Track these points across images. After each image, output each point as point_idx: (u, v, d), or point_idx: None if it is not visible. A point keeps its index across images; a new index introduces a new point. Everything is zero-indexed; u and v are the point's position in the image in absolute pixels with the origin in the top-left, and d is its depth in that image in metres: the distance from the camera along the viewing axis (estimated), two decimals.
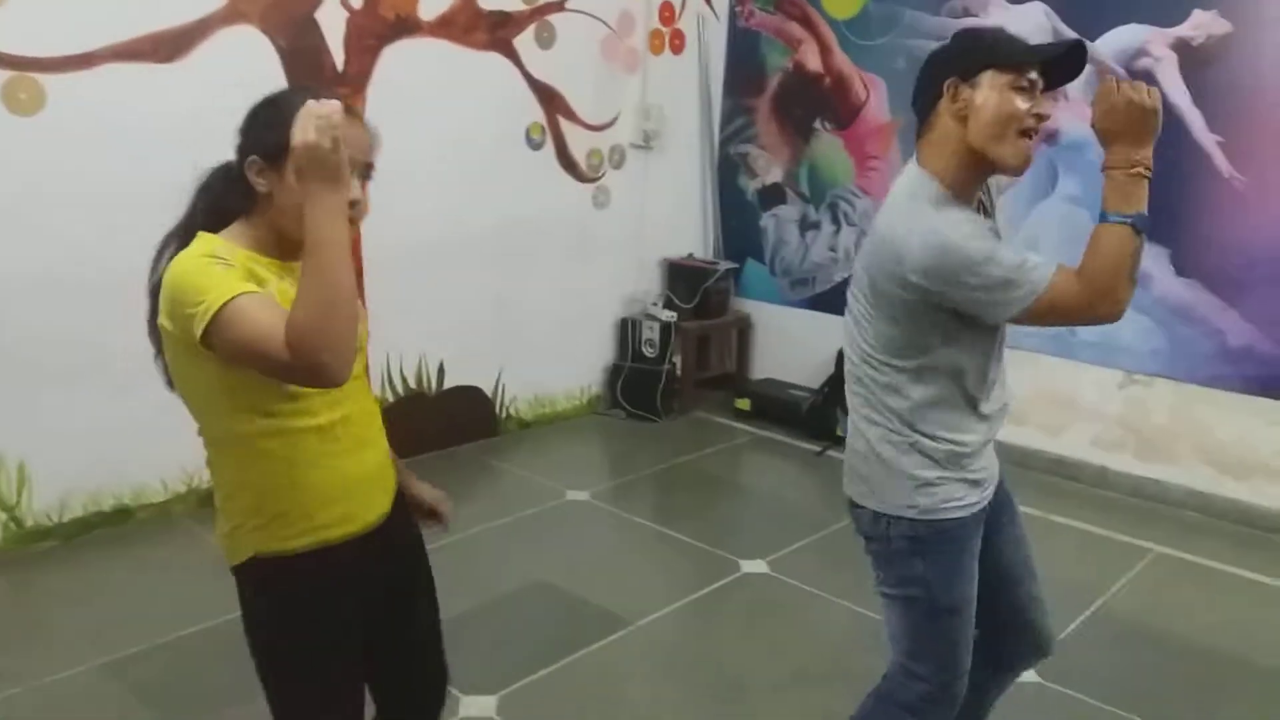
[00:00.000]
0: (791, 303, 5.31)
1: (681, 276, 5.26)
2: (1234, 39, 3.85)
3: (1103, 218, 1.73)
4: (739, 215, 5.48)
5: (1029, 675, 2.85)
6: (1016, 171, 1.81)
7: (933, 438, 1.85)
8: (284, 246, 1.52)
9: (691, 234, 5.51)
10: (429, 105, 4.10)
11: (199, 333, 1.37)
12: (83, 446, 3.40)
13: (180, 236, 1.56)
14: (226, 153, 3.83)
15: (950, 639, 1.94)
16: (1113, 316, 1.71)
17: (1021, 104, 1.74)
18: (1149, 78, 4.05)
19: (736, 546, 3.62)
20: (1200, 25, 3.93)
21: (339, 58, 3.81)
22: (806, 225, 5.22)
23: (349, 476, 1.57)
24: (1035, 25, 4.33)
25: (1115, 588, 3.45)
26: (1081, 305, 1.69)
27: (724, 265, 5.31)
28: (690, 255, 5.43)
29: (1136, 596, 3.42)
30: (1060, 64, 1.80)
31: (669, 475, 4.45)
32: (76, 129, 3.21)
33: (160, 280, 1.49)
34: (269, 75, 3.63)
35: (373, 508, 1.62)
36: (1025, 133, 1.76)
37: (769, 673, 2.86)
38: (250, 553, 1.54)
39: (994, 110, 1.74)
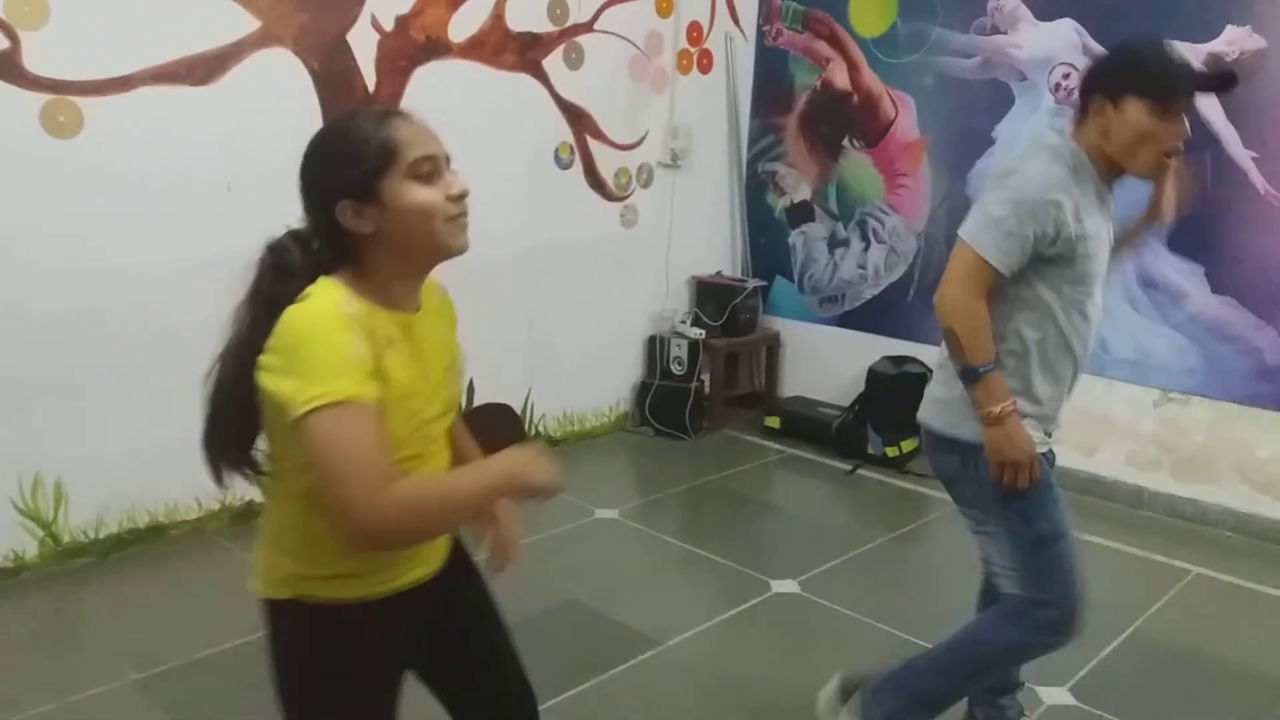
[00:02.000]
0: (820, 320, 5.29)
1: (710, 294, 5.26)
2: (1268, 55, 3.81)
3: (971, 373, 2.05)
4: (767, 233, 5.47)
5: (1064, 697, 2.82)
6: (1152, 178, 2.10)
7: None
8: (397, 291, 1.42)
9: (720, 252, 5.51)
10: (459, 126, 4.07)
11: (291, 415, 1.25)
12: (119, 464, 3.44)
13: (252, 312, 1.43)
14: (260, 175, 3.87)
15: (1066, 562, 2.13)
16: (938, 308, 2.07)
17: (1162, 129, 1.95)
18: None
19: (767, 566, 3.60)
20: (1233, 41, 3.89)
21: (370, 79, 3.85)
22: (835, 243, 5.21)
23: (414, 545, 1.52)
24: (1066, 42, 4.31)
25: (1153, 609, 3.40)
26: (947, 285, 2.05)
27: (752, 283, 5.30)
28: (719, 273, 5.43)
29: (1174, 618, 3.36)
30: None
31: (698, 493, 4.44)
32: (113, 152, 3.26)
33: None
34: (302, 97, 3.68)
35: (431, 562, 1.57)
36: (1166, 154, 1.99)
37: (800, 694, 2.83)
38: (290, 594, 1.46)
39: (1134, 133, 1.96)
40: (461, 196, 1.41)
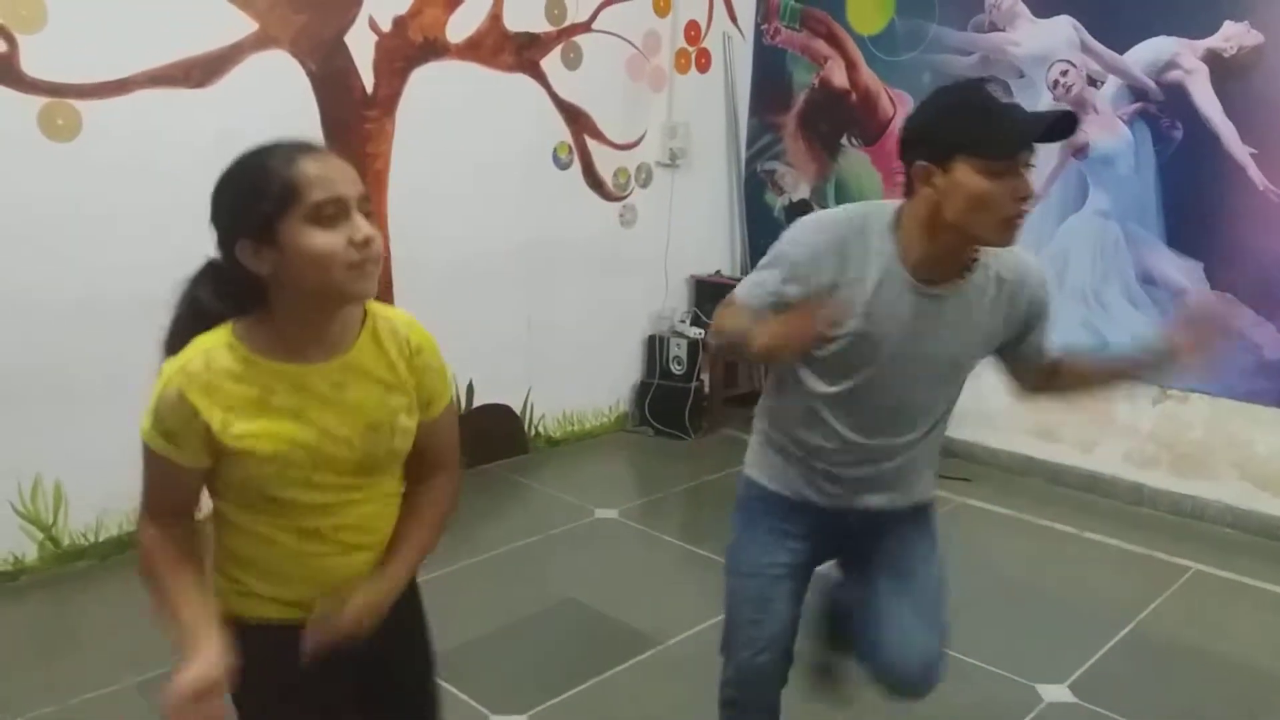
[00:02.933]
0: None
1: (709, 293, 5.25)
2: (1266, 50, 3.81)
3: None
4: (766, 232, 5.47)
5: (1064, 694, 2.82)
6: (1000, 245, 1.72)
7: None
8: (299, 336, 1.39)
9: (719, 251, 5.51)
10: (457, 127, 4.14)
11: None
12: (118, 467, 3.40)
13: (168, 349, 1.45)
14: None
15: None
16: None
17: (1002, 189, 1.62)
18: (1180, 90, 4.02)
19: None
20: (1231, 37, 3.89)
21: (368, 81, 3.86)
22: None
23: (331, 573, 1.48)
24: (1064, 39, 4.31)
25: (1153, 606, 3.40)
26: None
27: None
28: (718, 272, 5.43)
29: (1175, 615, 3.36)
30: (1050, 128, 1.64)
31: (697, 493, 4.44)
32: (111, 154, 3.26)
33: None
34: (300, 99, 3.68)
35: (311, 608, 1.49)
36: (1009, 218, 1.64)
37: (799, 691, 2.83)
38: (224, 611, 1.47)
39: (971, 199, 1.63)
40: (365, 243, 1.32)
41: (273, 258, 1.32)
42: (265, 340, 1.39)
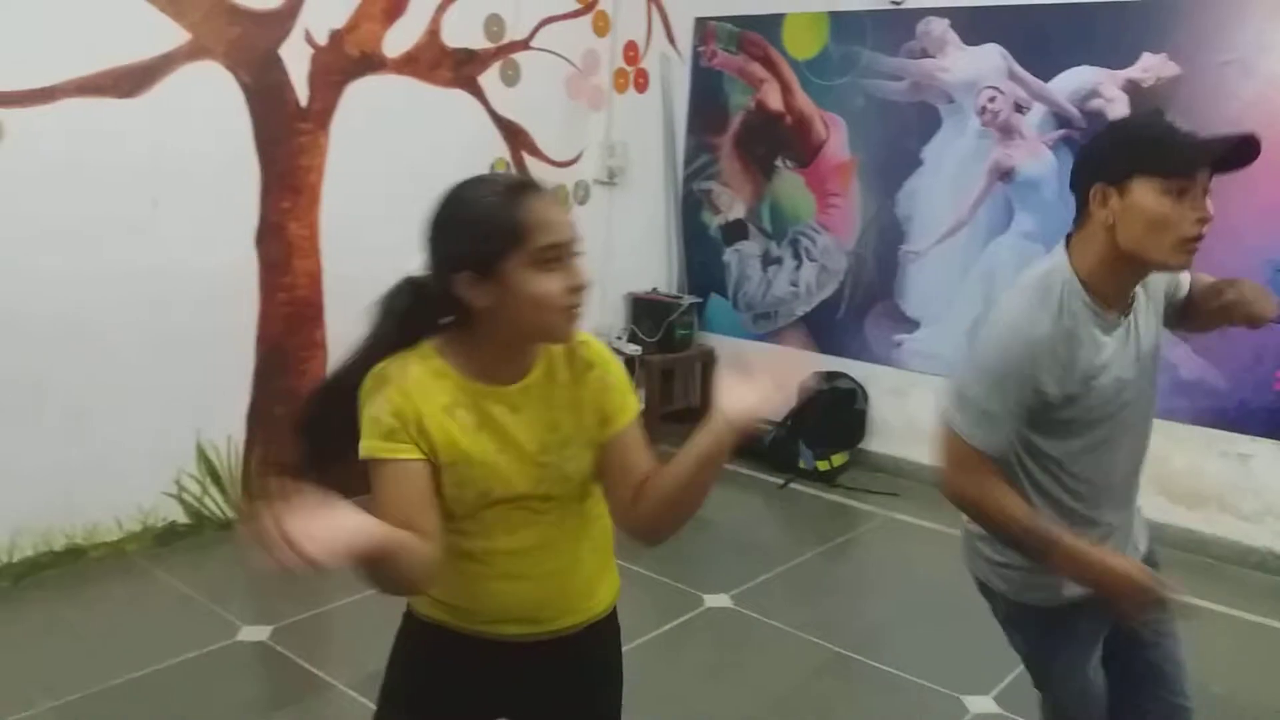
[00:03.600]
0: (754, 336, 5.35)
1: (646, 311, 5.28)
2: (1182, 81, 3.96)
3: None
4: (703, 250, 5.52)
5: (989, 706, 2.88)
6: (1178, 270, 1.73)
7: None
8: (491, 363, 1.42)
9: (656, 269, 5.55)
10: (393, 142, 4.11)
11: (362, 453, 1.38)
12: (33, 485, 3.34)
13: (363, 362, 1.43)
14: (187, 189, 3.81)
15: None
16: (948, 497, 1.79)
17: (1180, 210, 1.59)
18: (1100, 118, 4.16)
19: (700, 581, 3.61)
20: (1149, 68, 4.04)
21: (303, 94, 3.82)
22: (769, 260, 5.28)
23: (492, 597, 1.50)
24: (991, 66, 4.44)
25: None
26: (946, 477, 1.76)
27: (688, 299, 5.35)
28: (655, 290, 5.46)
29: None
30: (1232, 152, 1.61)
31: None
32: (35, 164, 3.18)
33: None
34: (233, 111, 3.64)
35: (503, 629, 1.52)
36: (1186, 240, 1.61)
37: (735, 707, 2.85)
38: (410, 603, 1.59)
39: (1149, 220, 1.60)
40: (581, 289, 1.37)
41: (492, 292, 1.34)
42: (457, 357, 1.42)
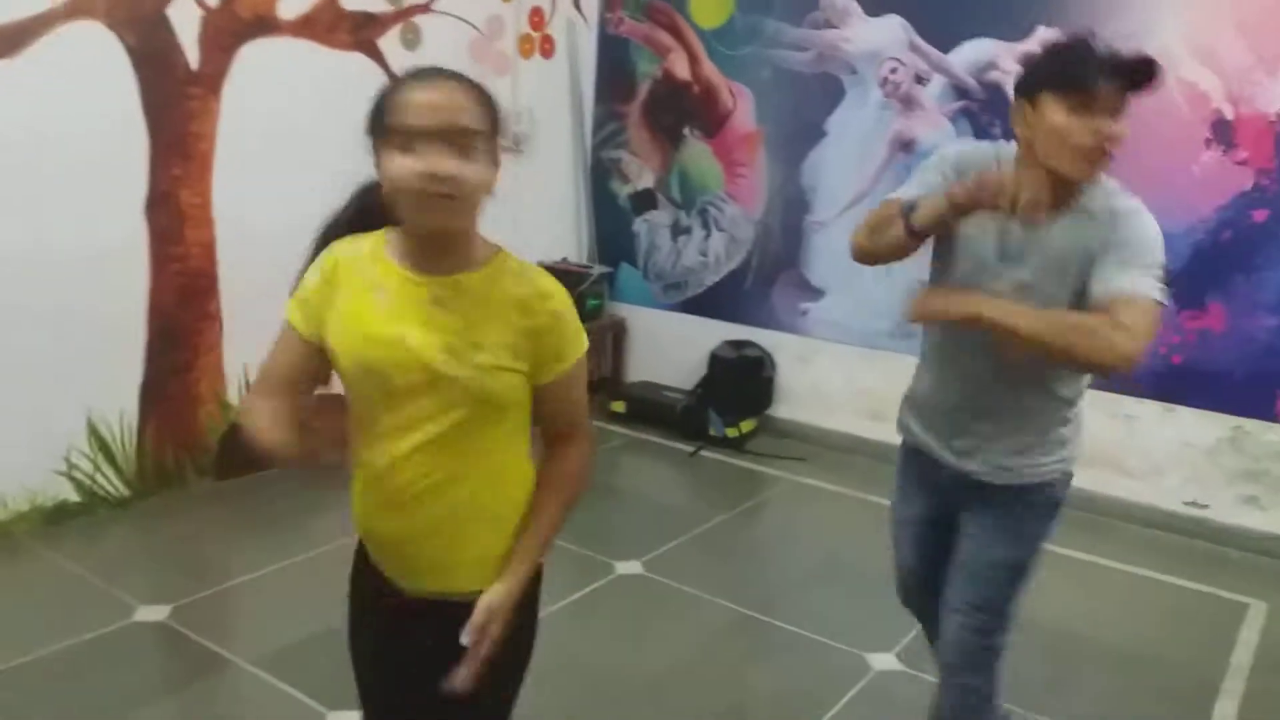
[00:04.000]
0: (665, 306, 5.37)
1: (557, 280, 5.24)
2: None
3: None
4: (612, 220, 5.51)
5: (892, 663, 2.96)
6: (1079, 179, 1.83)
7: None
8: (424, 257, 1.42)
9: (565, 238, 5.51)
10: (289, 106, 3.98)
11: None
12: None
13: (325, 238, 1.55)
14: (69, 158, 3.64)
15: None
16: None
17: (1080, 124, 1.75)
18: (998, 90, 4.26)
19: (611, 548, 3.63)
20: (1045, 41, 4.14)
21: (193, 57, 3.67)
22: (678, 230, 5.29)
23: (374, 531, 1.54)
24: (893, 37, 4.50)
25: None
26: (1142, 349, 1.75)
27: (598, 269, 5.33)
28: (565, 259, 5.43)
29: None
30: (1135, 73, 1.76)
31: None
32: None
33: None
34: (117, 76, 3.47)
35: (402, 576, 1.53)
36: (1089, 154, 1.77)
37: (646, 671, 2.88)
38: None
39: (1051, 133, 1.78)
40: (433, 176, 1.31)
41: (381, 175, 1.39)
42: (397, 244, 1.45)
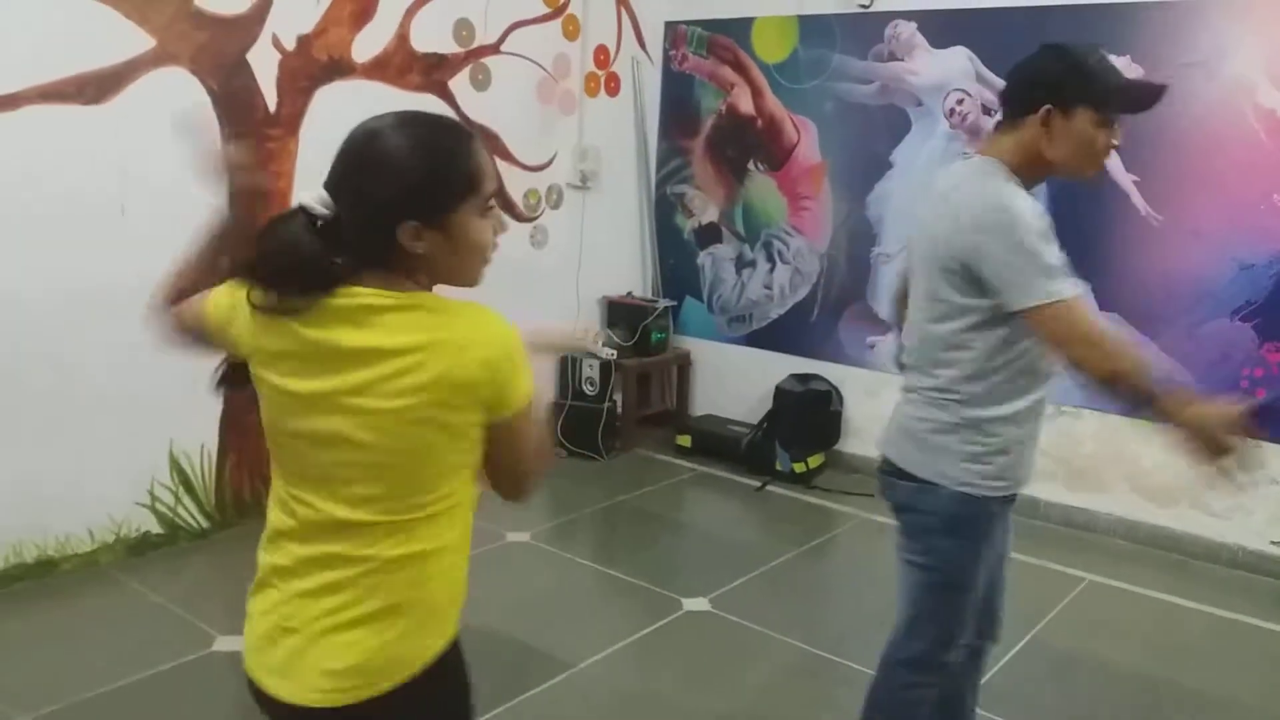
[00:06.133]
0: (729, 339, 5.36)
1: (621, 315, 5.28)
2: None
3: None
4: (677, 254, 5.53)
5: None
6: (1089, 181, 2.08)
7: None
8: None
9: (630, 272, 5.55)
10: None
11: None
12: (5, 497, 3.29)
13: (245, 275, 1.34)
14: (154, 194, 3.73)
15: (957, 615, 2.09)
16: (1084, 371, 1.82)
17: (1105, 137, 1.94)
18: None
19: (679, 585, 3.62)
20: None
21: (271, 99, 3.79)
22: (742, 264, 5.29)
23: (250, 608, 1.39)
24: (959, 69, 4.48)
25: (1050, 616, 3.52)
26: (1078, 339, 1.81)
27: (663, 303, 5.35)
28: (630, 293, 5.46)
29: (1070, 625, 3.48)
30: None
31: (611, 514, 4.44)
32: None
33: None
34: (201, 118, 3.60)
35: (259, 670, 1.37)
36: (1100, 161, 1.99)
37: (713, 711, 2.85)
38: None
39: (1081, 142, 1.93)
40: (498, 240, 1.35)
41: (434, 242, 1.26)
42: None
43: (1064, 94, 1.91)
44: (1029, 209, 1.86)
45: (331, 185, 1.28)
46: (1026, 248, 1.82)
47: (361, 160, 1.27)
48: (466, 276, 1.34)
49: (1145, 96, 1.99)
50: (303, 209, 1.27)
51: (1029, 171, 1.97)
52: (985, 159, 1.99)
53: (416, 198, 1.24)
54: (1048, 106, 1.92)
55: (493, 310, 1.32)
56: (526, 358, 1.32)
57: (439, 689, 1.39)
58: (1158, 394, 1.82)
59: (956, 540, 2.04)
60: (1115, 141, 1.96)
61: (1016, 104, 1.97)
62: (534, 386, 1.32)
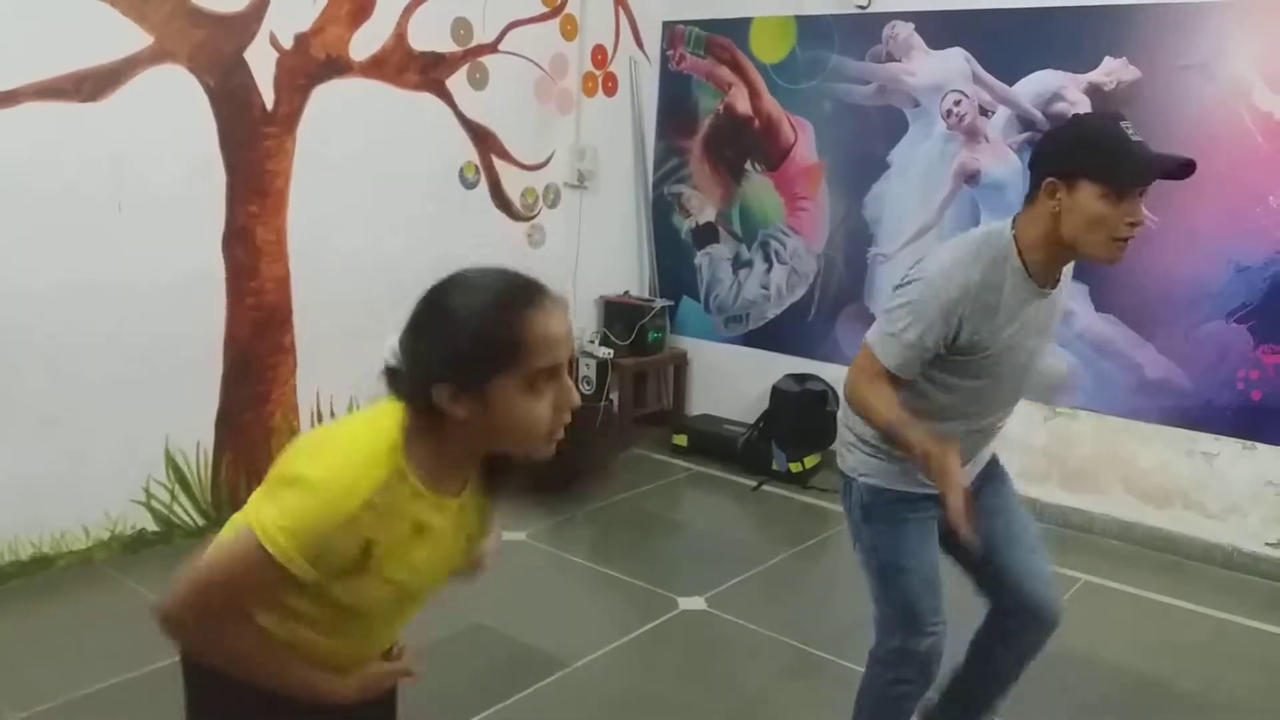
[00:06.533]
0: (726, 339, 5.37)
1: (618, 314, 5.28)
2: (1143, 85, 4.03)
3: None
4: (674, 253, 5.53)
5: None
6: (1107, 263, 1.93)
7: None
8: (449, 470, 1.31)
9: (627, 272, 5.55)
10: (361, 146, 4.09)
11: (241, 521, 1.30)
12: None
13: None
14: (151, 191, 3.74)
15: (904, 596, 2.19)
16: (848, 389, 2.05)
17: (1116, 214, 1.82)
18: (1064, 121, 4.21)
19: (674, 584, 3.62)
20: (1111, 71, 4.10)
21: (269, 98, 3.79)
22: (739, 264, 5.29)
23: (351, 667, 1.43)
24: (957, 70, 4.48)
25: None
26: (851, 379, 2.04)
27: (660, 302, 5.35)
28: (626, 293, 5.46)
29: (1066, 625, 3.47)
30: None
31: (606, 513, 4.44)
32: None
33: None
34: (197, 115, 3.60)
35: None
36: (1118, 239, 1.86)
37: (708, 710, 2.85)
38: None
39: (1088, 219, 1.85)
40: (569, 410, 1.26)
41: (472, 408, 1.22)
42: (417, 459, 1.27)
43: (1065, 166, 1.87)
44: (945, 280, 1.91)
45: (403, 333, 1.29)
46: (897, 308, 1.96)
47: (417, 309, 1.28)
48: (514, 448, 1.29)
49: (1146, 168, 1.83)
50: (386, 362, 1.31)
51: (1045, 249, 1.93)
52: (993, 229, 1.99)
53: (452, 360, 1.21)
54: (1051, 179, 1.87)
55: (351, 470, 1.24)
56: (301, 501, 1.22)
57: None
58: (895, 425, 1.93)
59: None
60: (1132, 219, 1.84)
61: (1032, 177, 1.94)
62: (272, 537, 1.21)
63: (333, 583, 1.26)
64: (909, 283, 1.98)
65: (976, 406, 2.10)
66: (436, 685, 2.95)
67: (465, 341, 1.21)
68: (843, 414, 2.23)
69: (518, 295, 1.24)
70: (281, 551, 1.19)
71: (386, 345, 1.30)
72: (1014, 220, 1.97)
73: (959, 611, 2.28)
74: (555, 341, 1.23)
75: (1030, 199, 1.93)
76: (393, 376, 1.30)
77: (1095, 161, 1.83)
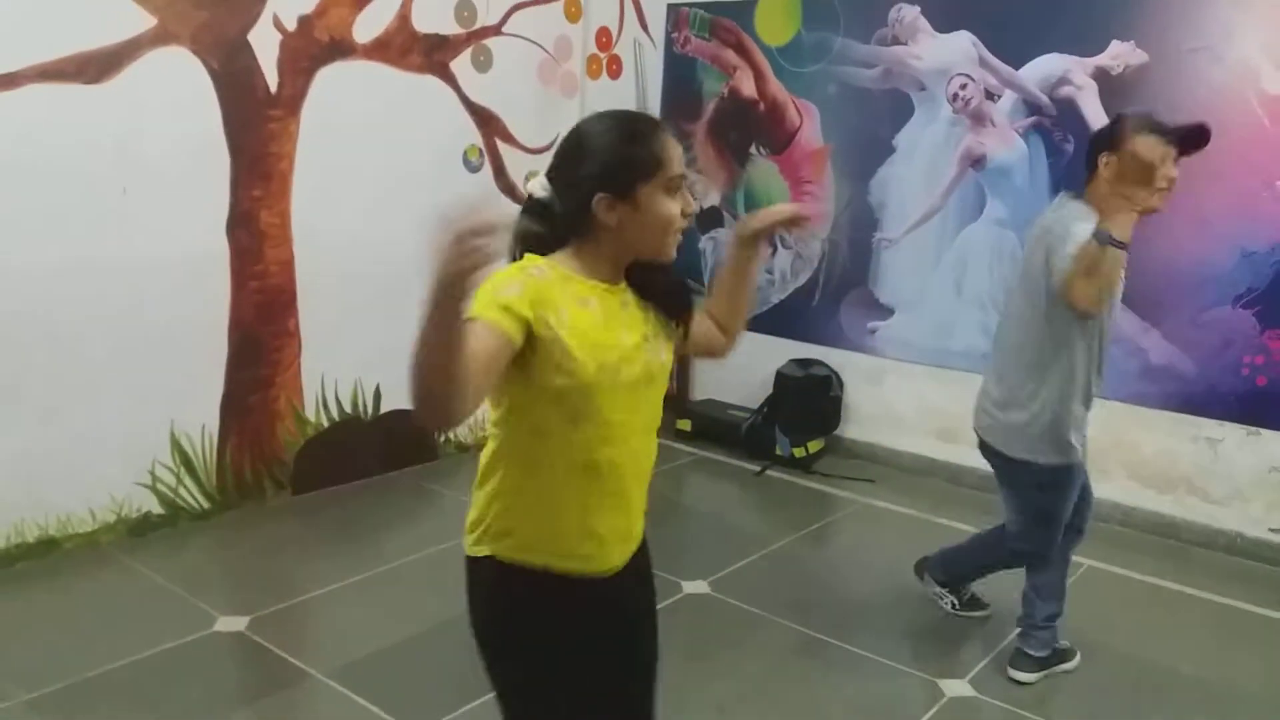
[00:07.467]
0: None
1: None
2: (1150, 69, 4.00)
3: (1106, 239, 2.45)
4: None
5: (965, 689, 2.91)
6: (1149, 210, 2.51)
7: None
8: (604, 270, 1.57)
9: None
10: (364, 127, 4.08)
11: None
12: (4, 475, 3.30)
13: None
14: (155, 173, 3.74)
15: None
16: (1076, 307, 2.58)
17: (1162, 156, 2.49)
18: (1070, 105, 4.19)
19: (678, 568, 3.63)
20: (1118, 55, 4.07)
21: (272, 80, 3.78)
22: None
23: (599, 530, 1.60)
24: (963, 53, 4.46)
25: None
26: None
27: None
28: None
29: (1068, 610, 3.48)
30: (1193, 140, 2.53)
31: None
32: (0, 151, 3.13)
33: None
34: (201, 97, 3.59)
35: (609, 560, 1.64)
36: (1159, 190, 2.52)
37: (712, 692, 2.87)
38: (487, 552, 1.60)
39: (1140, 167, 2.48)
40: (690, 214, 1.58)
41: (625, 214, 1.52)
42: (576, 265, 1.56)
43: (1113, 140, 2.60)
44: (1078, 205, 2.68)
45: (550, 170, 1.58)
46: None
47: (567, 144, 1.57)
48: (655, 247, 1.56)
49: (1183, 131, 2.51)
50: (530, 196, 1.59)
51: (1110, 208, 2.52)
52: (1080, 205, 2.67)
53: (609, 173, 1.51)
54: (1105, 154, 2.61)
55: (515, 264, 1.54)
56: (486, 288, 1.45)
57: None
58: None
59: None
60: (1171, 176, 2.53)
61: (1090, 162, 2.69)
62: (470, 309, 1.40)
63: (537, 336, 1.46)
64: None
65: (1097, 376, 2.81)
66: (434, 671, 2.97)
67: (617, 159, 1.51)
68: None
69: (648, 122, 1.57)
70: (482, 308, 1.41)
71: (535, 181, 1.59)
72: (1084, 198, 2.67)
73: None
74: (679, 155, 1.56)
75: (1089, 181, 2.67)
76: (537, 207, 1.57)
77: (1136, 123, 2.56)
